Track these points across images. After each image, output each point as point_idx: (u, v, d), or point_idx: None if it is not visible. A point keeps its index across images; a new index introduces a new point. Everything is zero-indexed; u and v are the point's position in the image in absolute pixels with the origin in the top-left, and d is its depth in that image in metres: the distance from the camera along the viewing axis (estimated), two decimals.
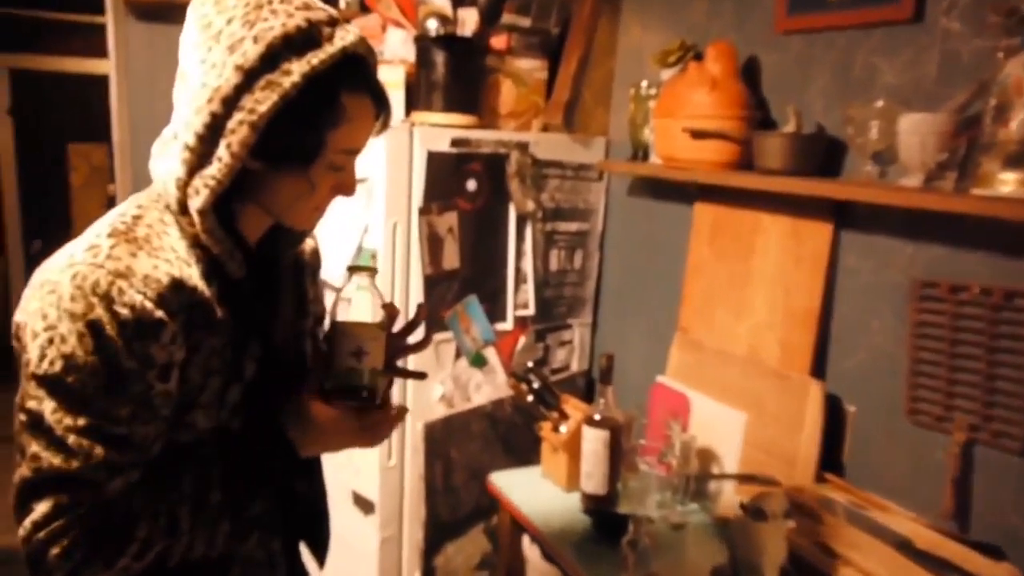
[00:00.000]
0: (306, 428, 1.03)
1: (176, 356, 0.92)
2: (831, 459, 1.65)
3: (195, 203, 0.92)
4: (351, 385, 1.01)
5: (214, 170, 0.91)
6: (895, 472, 1.55)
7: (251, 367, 1.01)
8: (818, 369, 1.69)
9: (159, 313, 0.89)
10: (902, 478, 1.54)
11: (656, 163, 2.02)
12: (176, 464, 0.96)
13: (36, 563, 0.88)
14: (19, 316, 0.91)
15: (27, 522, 0.87)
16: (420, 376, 1.25)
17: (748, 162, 1.74)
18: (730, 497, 1.74)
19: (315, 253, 1.24)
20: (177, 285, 0.92)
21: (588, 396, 2.50)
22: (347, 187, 1.03)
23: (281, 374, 1.07)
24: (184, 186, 0.93)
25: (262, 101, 0.90)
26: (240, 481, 0.99)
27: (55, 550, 0.87)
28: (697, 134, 1.77)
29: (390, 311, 1.08)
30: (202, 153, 0.92)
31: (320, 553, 1.22)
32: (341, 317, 1.03)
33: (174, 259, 0.93)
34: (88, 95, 5.24)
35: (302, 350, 1.18)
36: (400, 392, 2.04)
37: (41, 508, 0.87)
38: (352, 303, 1.03)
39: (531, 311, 2.27)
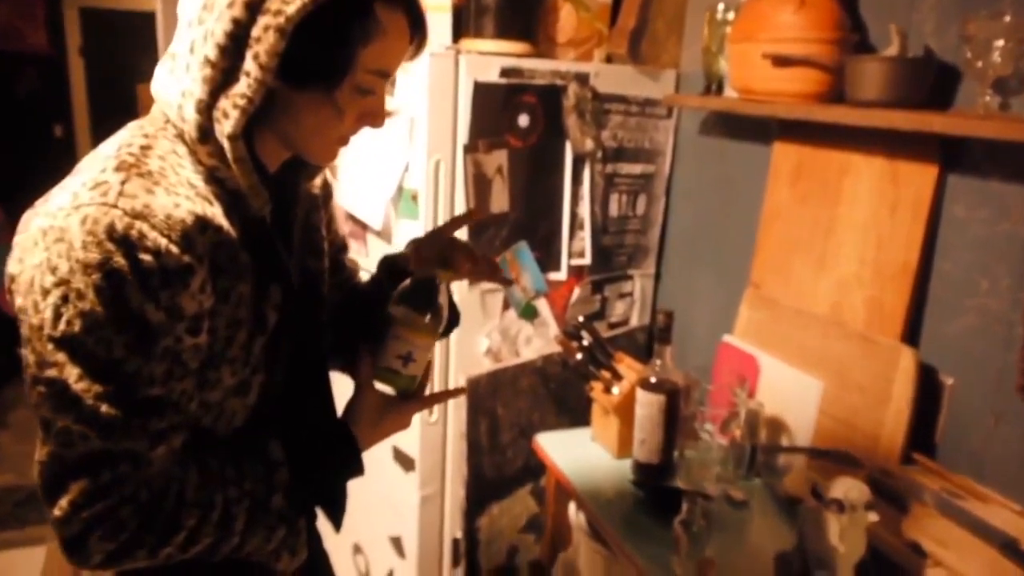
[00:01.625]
0: (372, 425, 1.01)
1: (205, 305, 0.81)
2: (922, 438, 1.44)
3: (225, 127, 0.80)
4: (388, 385, 1.02)
5: (243, 87, 0.79)
6: (1000, 457, 1.34)
7: (273, 316, 0.90)
8: (911, 334, 1.47)
9: (187, 258, 0.77)
10: (1008, 463, 1.32)
11: (731, 96, 1.79)
12: (240, 456, 0.90)
13: (76, 547, 0.79)
14: (14, 267, 0.78)
15: (63, 503, 0.77)
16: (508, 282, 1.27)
17: (839, 93, 1.50)
18: (801, 473, 1.55)
19: (326, 184, 1.11)
20: (202, 225, 0.80)
21: (648, 353, 2.32)
22: (376, 115, 0.91)
23: (301, 323, 0.97)
24: (206, 108, 0.80)
25: (290, 2, 0.77)
26: (307, 491, 0.94)
27: (99, 531, 0.78)
28: (779, 60, 1.53)
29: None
30: (225, 68, 0.79)
31: (337, 518, 1.13)
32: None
33: (194, 195, 0.81)
34: (156, 34, 5.26)
35: (319, 294, 1.06)
36: (443, 345, 1.91)
37: (79, 487, 0.77)
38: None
39: (587, 260, 2.09)
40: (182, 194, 0.80)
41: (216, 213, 0.83)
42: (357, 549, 2.25)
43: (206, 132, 0.82)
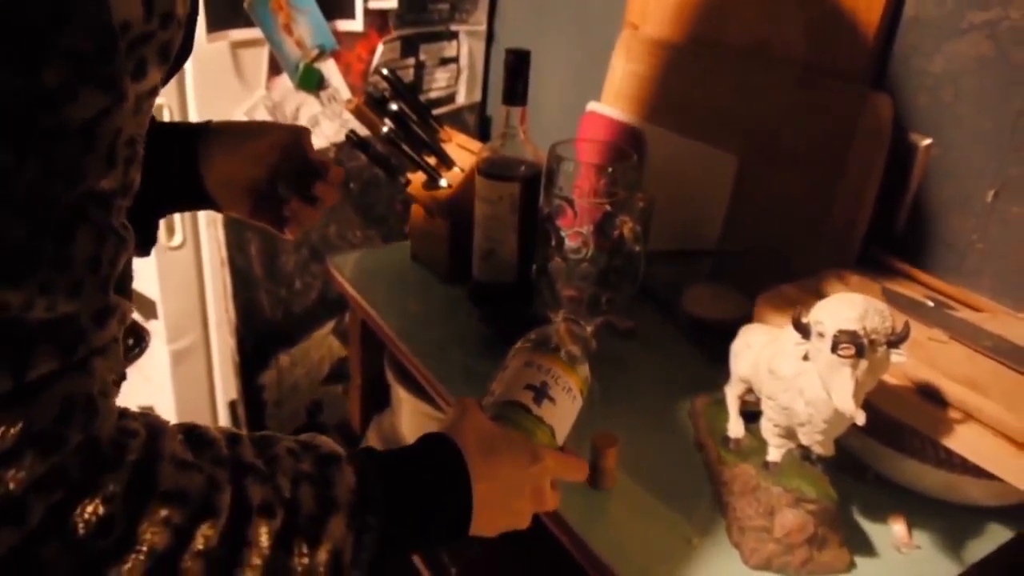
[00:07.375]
0: (488, 453, 0.56)
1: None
2: (878, 226, 1.01)
3: None
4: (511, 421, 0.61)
5: None
6: (995, 251, 0.93)
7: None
8: (879, 72, 1.00)
9: None
10: (1007, 258, 0.93)
11: None
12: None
13: None
14: None
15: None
16: None
17: None
18: (708, 287, 1.11)
19: None
20: None
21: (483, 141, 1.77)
22: None
23: None
24: None
25: None
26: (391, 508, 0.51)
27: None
28: None
29: None
30: None
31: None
32: None
33: None
34: None
35: None
36: None
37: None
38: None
39: (393, 3, 1.45)
40: None
41: None
42: None
43: None
